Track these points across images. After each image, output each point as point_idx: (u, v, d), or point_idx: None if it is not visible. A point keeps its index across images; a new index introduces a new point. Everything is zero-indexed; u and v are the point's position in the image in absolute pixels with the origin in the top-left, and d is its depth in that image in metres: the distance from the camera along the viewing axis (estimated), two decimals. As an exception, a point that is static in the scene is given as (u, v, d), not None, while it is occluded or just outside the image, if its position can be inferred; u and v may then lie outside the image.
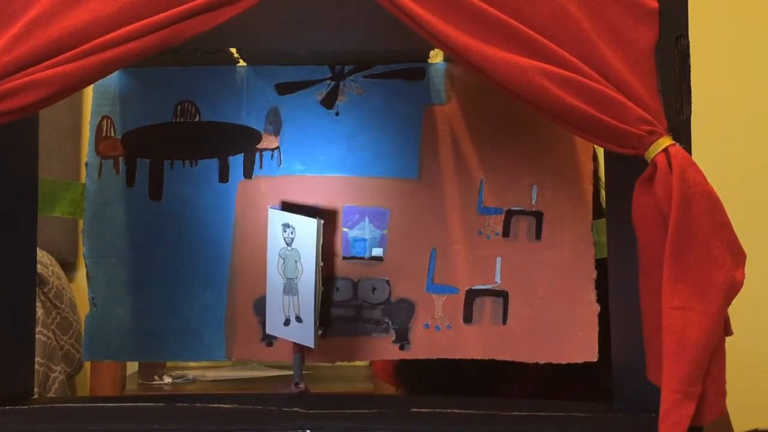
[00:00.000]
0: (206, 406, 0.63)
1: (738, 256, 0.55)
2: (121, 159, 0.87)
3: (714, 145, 1.19)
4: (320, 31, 0.78)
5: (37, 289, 1.54)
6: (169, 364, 1.81)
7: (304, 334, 0.77)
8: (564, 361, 0.80)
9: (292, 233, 0.77)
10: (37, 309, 1.21)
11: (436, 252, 0.84)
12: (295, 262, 0.77)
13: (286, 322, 0.78)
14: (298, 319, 0.77)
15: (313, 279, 0.76)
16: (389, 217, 0.85)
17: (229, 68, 0.88)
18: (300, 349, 0.80)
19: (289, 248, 0.77)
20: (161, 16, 0.54)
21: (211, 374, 1.78)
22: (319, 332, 0.79)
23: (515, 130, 0.84)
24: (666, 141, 0.55)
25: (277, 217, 0.79)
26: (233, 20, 0.55)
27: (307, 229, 0.77)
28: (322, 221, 0.77)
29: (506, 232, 0.83)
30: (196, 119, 0.87)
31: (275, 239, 0.79)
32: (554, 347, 0.81)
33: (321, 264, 0.77)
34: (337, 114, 0.87)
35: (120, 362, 1.65)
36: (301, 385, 0.80)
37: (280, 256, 0.78)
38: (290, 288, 0.78)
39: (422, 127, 0.85)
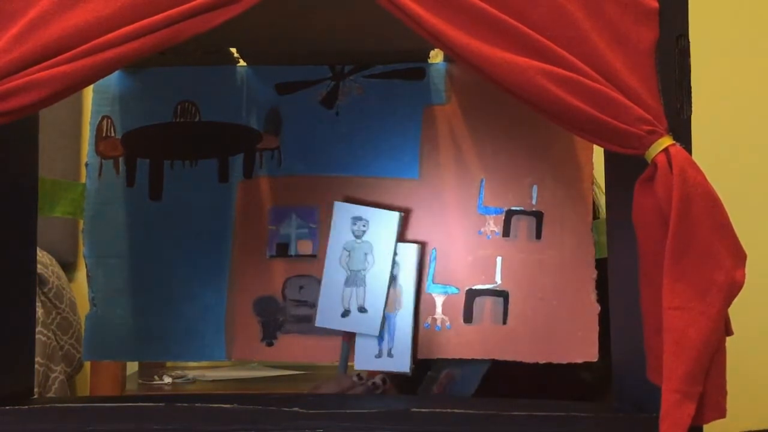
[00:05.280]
0: (206, 406, 0.63)
1: (738, 256, 0.55)
2: (121, 159, 0.87)
3: (714, 145, 1.19)
4: (320, 31, 0.78)
5: (37, 289, 1.54)
6: (169, 364, 1.81)
7: (368, 324, 0.79)
8: (564, 361, 0.80)
9: (364, 226, 0.78)
10: (37, 309, 1.21)
11: (436, 252, 0.84)
12: (365, 254, 0.78)
13: (345, 314, 0.79)
14: (362, 310, 0.78)
15: (387, 271, 0.79)
16: (389, 217, 0.85)
17: (229, 68, 0.88)
18: (349, 338, 0.81)
19: (358, 241, 0.78)
20: (161, 16, 0.54)
21: (211, 374, 1.78)
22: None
23: (515, 130, 0.84)
24: (666, 141, 0.55)
25: (345, 211, 0.80)
26: (233, 20, 0.55)
27: (386, 221, 0.79)
28: (402, 214, 0.81)
29: (506, 232, 0.83)
30: (196, 119, 0.87)
31: (341, 232, 0.80)
32: (554, 347, 0.81)
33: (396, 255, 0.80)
34: (337, 114, 0.87)
35: (120, 362, 1.65)
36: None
37: (345, 249, 0.79)
38: (354, 280, 0.79)
39: (422, 127, 0.85)
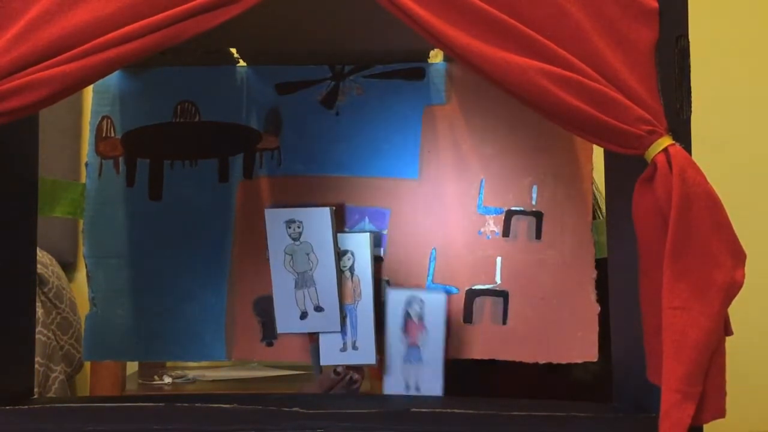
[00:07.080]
0: (206, 406, 0.63)
1: (738, 256, 0.55)
2: (121, 159, 0.87)
3: (714, 145, 1.19)
4: (320, 31, 0.78)
5: (37, 289, 1.54)
6: (169, 364, 1.81)
7: (328, 321, 0.78)
8: (564, 361, 0.80)
9: (298, 227, 0.77)
10: (37, 309, 1.21)
11: (436, 252, 0.84)
12: (307, 254, 0.78)
13: (303, 316, 0.79)
14: (318, 309, 0.78)
15: (333, 266, 0.78)
16: (389, 217, 0.85)
17: (229, 68, 0.88)
18: (316, 339, 0.81)
19: (297, 243, 0.78)
20: (161, 16, 0.54)
21: (211, 374, 1.77)
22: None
23: (515, 130, 0.84)
24: (666, 141, 0.55)
25: (276, 216, 0.79)
26: (233, 20, 0.55)
27: (319, 219, 0.78)
28: (334, 208, 0.79)
29: (506, 232, 0.83)
30: (196, 119, 0.87)
31: (277, 238, 0.79)
32: (554, 347, 0.81)
33: (338, 250, 0.79)
34: (337, 114, 0.87)
35: (120, 362, 1.65)
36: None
37: (286, 253, 0.78)
38: (304, 281, 0.78)
39: (422, 127, 0.85)
